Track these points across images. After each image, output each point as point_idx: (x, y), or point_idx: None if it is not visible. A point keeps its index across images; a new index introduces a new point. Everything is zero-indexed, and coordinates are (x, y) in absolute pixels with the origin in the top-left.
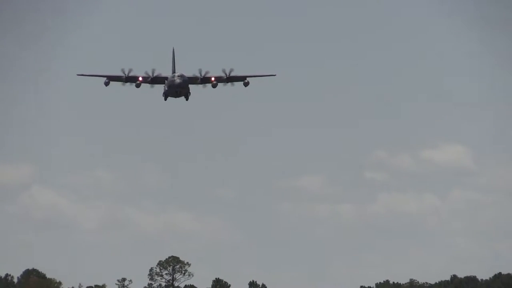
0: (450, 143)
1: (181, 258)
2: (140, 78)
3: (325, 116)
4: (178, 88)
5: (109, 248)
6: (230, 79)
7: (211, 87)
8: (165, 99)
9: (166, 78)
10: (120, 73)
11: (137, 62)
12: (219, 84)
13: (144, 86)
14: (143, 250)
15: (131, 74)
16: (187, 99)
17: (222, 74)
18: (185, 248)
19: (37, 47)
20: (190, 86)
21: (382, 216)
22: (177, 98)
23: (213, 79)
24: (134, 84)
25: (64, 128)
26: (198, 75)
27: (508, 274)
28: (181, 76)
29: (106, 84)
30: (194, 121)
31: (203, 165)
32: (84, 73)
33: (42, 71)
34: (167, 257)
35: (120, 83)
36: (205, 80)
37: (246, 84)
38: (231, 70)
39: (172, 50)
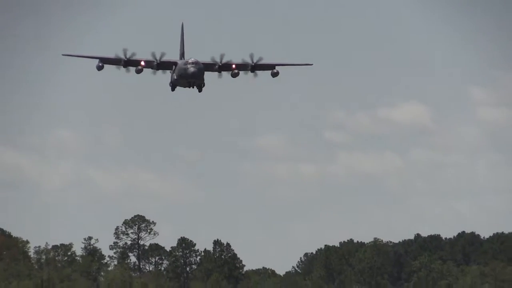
0: (409, 102)
1: (146, 217)
2: (143, 63)
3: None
4: (191, 79)
5: (75, 207)
6: (256, 67)
7: (230, 76)
8: (173, 90)
9: (175, 63)
10: (117, 56)
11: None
12: (241, 73)
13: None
14: (108, 209)
15: (131, 57)
16: (200, 91)
17: (246, 62)
18: (150, 208)
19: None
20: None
21: (344, 176)
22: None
23: (234, 66)
24: (134, 69)
25: (32, 96)
26: (216, 61)
27: (472, 233)
28: (196, 63)
29: (99, 68)
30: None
31: (167, 127)
32: (72, 53)
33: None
34: (132, 216)
35: (116, 67)
36: (224, 67)
37: (274, 75)
38: (260, 59)
39: (181, 27)
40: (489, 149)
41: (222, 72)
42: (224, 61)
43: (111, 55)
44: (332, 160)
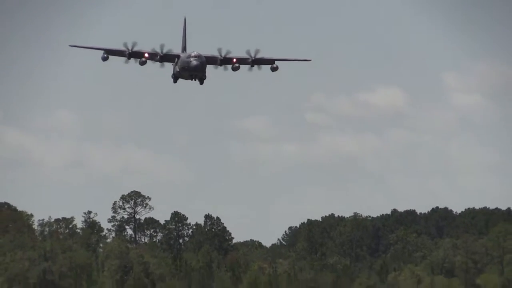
0: (387, 86)
1: (142, 193)
2: (146, 55)
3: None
4: (194, 72)
5: (76, 184)
6: (256, 61)
7: (231, 69)
8: (175, 82)
9: (178, 56)
10: (122, 47)
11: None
12: (241, 67)
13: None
14: (107, 186)
15: (135, 49)
16: (201, 83)
17: (247, 56)
18: (145, 184)
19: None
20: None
21: (325, 155)
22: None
23: (235, 60)
24: (138, 61)
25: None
26: (218, 55)
27: (445, 208)
28: (198, 56)
29: (104, 59)
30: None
31: (162, 110)
32: (78, 45)
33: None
34: (129, 192)
35: (121, 58)
36: (225, 61)
37: (274, 69)
38: (257, 51)
39: (183, 21)
40: (461, 131)
41: (223, 65)
42: (225, 55)
43: (116, 47)
44: (315, 140)
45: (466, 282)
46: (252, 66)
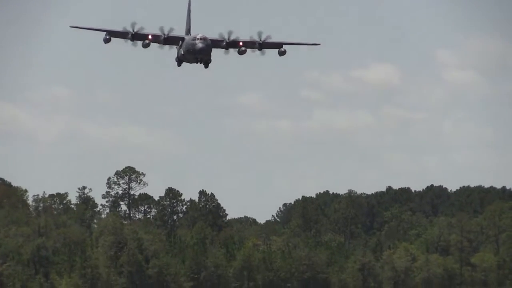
0: (380, 63)
1: (136, 169)
2: (150, 37)
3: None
4: (199, 55)
5: (70, 159)
6: (264, 45)
7: (237, 53)
8: (179, 65)
9: (182, 39)
10: (124, 29)
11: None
12: (248, 51)
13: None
14: (101, 161)
15: (138, 31)
16: (206, 67)
17: (254, 39)
18: (139, 160)
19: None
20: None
21: (321, 132)
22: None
23: (241, 44)
24: (141, 43)
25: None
26: (224, 37)
27: (440, 186)
28: (204, 39)
29: (106, 40)
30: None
31: (156, 86)
32: (79, 25)
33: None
34: (123, 168)
35: (123, 40)
36: (231, 44)
37: (281, 53)
38: (267, 37)
39: (188, 2)
40: (455, 107)
41: (229, 49)
42: (232, 38)
43: (118, 28)
44: (309, 117)
45: (461, 260)
46: (260, 49)
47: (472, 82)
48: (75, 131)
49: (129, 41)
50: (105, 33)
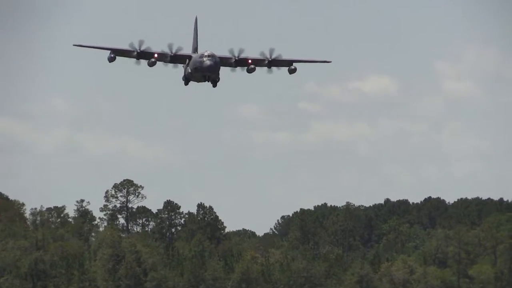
0: (378, 74)
1: (134, 182)
2: (156, 55)
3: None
4: (207, 72)
5: (68, 172)
6: (273, 63)
7: (246, 71)
8: (186, 84)
9: (189, 57)
10: (130, 47)
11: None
12: (257, 69)
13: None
14: (99, 174)
15: (144, 49)
16: (214, 86)
17: (263, 57)
18: (138, 172)
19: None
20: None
21: (318, 144)
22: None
23: (250, 61)
24: (147, 61)
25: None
26: (232, 55)
27: (438, 198)
28: (212, 56)
29: (111, 59)
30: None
31: (154, 98)
32: (83, 44)
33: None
34: (121, 180)
35: (128, 59)
36: (240, 62)
37: (291, 71)
38: (272, 51)
39: (194, 20)
40: (453, 119)
41: (238, 67)
42: (240, 55)
43: (123, 46)
44: (307, 129)
45: (458, 272)
46: (269, 67)
47: (469, 93)
48: (73, 144)
49: (134, 59)
50: (109, 51)
